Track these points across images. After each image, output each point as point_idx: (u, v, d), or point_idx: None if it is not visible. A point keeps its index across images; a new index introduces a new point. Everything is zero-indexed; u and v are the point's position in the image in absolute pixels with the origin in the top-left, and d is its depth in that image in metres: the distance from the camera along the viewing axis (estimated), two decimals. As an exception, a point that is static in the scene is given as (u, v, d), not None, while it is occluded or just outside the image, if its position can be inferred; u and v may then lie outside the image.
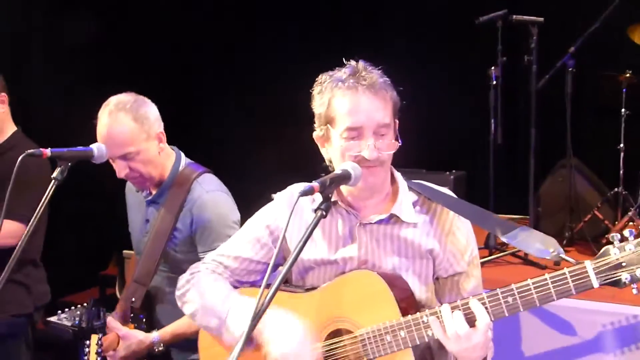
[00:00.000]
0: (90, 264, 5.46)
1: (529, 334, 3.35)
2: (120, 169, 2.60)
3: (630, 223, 4.44)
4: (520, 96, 4.28)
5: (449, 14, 5.34)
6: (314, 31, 5.77)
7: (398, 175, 2.15)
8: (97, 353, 2.59)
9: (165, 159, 2.70)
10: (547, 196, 4.76)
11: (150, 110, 2.65)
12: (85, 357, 2.63)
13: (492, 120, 4.37)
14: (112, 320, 2.65)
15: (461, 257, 2.08)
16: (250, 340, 2.02)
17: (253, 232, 2.23)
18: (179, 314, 2.62)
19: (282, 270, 1.72)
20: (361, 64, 2.05)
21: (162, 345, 2.63)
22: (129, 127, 2.56)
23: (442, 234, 2.08)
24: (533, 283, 1.78)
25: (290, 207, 2.13)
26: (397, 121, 2.08)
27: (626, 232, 1.68)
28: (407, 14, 5.65)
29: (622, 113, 4.63)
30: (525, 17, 4.12)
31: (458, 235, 2.08)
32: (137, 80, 3.43)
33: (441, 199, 2.11)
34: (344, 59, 2.08)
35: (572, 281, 1.72)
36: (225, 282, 2.21)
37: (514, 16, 4.14)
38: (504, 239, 1.97)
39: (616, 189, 4.64)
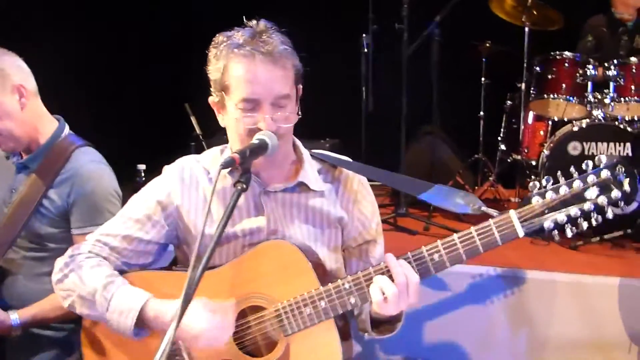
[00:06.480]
0: None
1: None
2: None
3: (491, 188, 4.68)
4: (390, 64, 4.29)
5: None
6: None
7: (299, 143, 2.05)
8: None
9: (37, 120, 2.41)
10: (411, 162, 4.86)
11: (7, 61, 2.34)
12: None
13: (363, 88, 4.39)
14: None
15: (369, 225, 2.03)
16: (141, 329, 1.86)
17: (143, 209, 2.01)
18: (33, 297, 2.37)
19: (207, 251, 1.55)
20: (262, 24, 1.86)
21: (20, 329, 2.34)
22: None
23: (349, 202, 2.01)
24: (459, 237, 1.73)
25: (182, 180, 2.01)
26: (300, 87, 1.95)
27: (544, 181, 1.66)
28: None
29: (482, 82, 4.84)
30: (396, -16, 4.13)
31: (364, 203, 2.02)
32: None
33: (348, 165, 2.04)
34: (244, 18, 1.89)
35: (498, 232, 1.70)
36: (108, 268, 1.98)
37: (385, -17, 4.15)
38: (421, 198, 1.93)
39: (476, 156, 4.87)
